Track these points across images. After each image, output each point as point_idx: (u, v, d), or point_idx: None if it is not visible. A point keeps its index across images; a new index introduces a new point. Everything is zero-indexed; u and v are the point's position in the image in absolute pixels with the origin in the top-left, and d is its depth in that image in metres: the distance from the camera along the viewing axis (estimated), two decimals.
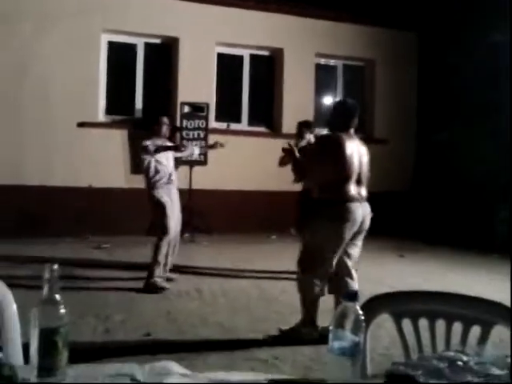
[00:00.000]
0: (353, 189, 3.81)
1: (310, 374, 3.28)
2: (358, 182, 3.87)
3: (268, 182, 8.48)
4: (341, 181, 3.80)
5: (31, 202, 7.63)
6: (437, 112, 9.68)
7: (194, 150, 6.61)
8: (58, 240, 7.21)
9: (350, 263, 3.97)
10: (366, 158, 3.96)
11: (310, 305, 3.93)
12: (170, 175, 5.41)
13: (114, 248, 7.16)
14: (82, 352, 3.24)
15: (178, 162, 6.18)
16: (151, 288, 5.07)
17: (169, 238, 5.24)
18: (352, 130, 3.95)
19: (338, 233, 3.79)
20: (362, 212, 3.82)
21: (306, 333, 3.89)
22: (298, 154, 4.06)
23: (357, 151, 3.87)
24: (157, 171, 5.30)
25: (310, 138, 5.59)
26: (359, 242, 3.97)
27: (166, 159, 5.40)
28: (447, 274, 6.28)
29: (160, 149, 5.31)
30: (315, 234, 3.94)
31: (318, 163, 3.89)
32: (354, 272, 3.99)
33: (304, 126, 5.74)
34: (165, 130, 5.50)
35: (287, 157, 4.28)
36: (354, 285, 3.93)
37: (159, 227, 5.26)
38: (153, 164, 5.28)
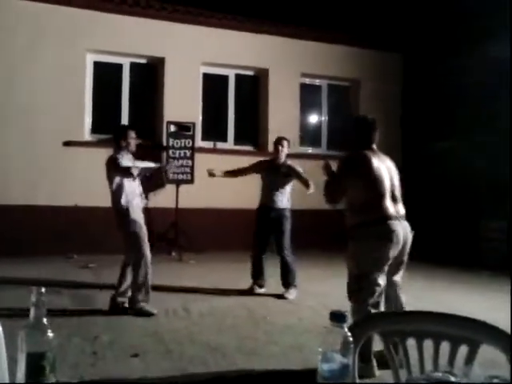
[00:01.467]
0: (389, 206, 3.61)
1: None
2: (393, 199, 3.66)
3: (255, 200, 8.46)
4: (375, 199, 3.58)
5: (16, 221, 7.56)
6: (421, 129, 9.81)
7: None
8: (43, 259, 7.13)
9: (398, 284, 3.79)
10: (395, 173, 3.78)
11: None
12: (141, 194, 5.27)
13: (101, 267, 7.09)
14: (70, 373, 3.21)
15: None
16: (140, 314, 4.92)
17: (145, 260, 4.99)
18: (375, 146, 3.82)
19: (380, 254, 3.55)
20: (402, 230, 3.61)
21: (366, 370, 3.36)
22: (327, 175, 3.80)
23: (385, 166, 3.70)
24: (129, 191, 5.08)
25: (285, 152, 6.02)
26: (401, 266, 3.76)
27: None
28: (437, 291, 6.29)
29: (141, 172, 5.14)
30: (357, 260, 3.63)
31: (348, 185, 3.66)
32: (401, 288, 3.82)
33: (276, 143, 6.10)
34: (133, 144, 5.21)
35: (325, 173, 3.85)
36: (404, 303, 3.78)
37: (136, 250, 5.00)
38: (126, 183, 5.03)
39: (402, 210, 3.71)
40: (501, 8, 8.10)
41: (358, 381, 1.52)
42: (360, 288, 3.58)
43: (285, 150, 6.00)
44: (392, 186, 3.68)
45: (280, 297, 5.78)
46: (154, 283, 5.16)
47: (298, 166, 6.01)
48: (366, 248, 3.57)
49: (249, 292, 5.95)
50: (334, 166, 3.82)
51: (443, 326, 1.66)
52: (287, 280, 5.92)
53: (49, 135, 7.99)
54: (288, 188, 6.02)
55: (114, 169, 5.01)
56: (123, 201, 5.02)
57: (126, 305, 5.05)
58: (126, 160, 5.09)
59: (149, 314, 4.90)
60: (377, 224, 3.56)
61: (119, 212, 5.06)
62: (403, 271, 3.84)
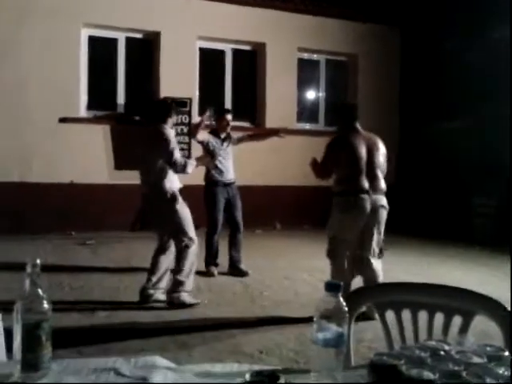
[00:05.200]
0: (362, 181, 4.22)
1: (295, 366, 3.30)
2: (369, 175, 4.25)
3: (252, 177, 8.47)
4: (351, 175, 4.23)
5: (11, 198, 7.54)
6: (419, 106, 9.77)
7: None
8: (39, 237, 7.14)
9: (370, 248, 4.30)
10: (379, 151, 4.36)
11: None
12: None
13: (99, 244, 7.12)
14: (67, 340, 3.23)
15: None
16: (181, 306, 4.48)
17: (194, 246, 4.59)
18: (358, 125, 4.42)
19: (343, 222, 4.25)
20: (370, 203, 4.20)
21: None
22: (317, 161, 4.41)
23: (366, 146, 4.30)
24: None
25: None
26: (375, 230, 4.29)
27: None
28: (429, 266, 6.34)
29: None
30: (329, 224, 4.39)
31: (332, 162, 4.34)
32: (375, 257, 4.33)
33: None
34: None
35: (314, 169, 4.47)
36: (378, 265, 4.33)
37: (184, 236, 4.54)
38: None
39: (379, 185, 4.29)
40: None
41: (352, 350, 1.54)
42: (331, 248, 4.35)
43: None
44: (371, 163, 4.28)
45: (244, 274, 5.64)
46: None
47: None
48: (335, 215, 4.31)
49: (210, 275, 5.58)
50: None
51: (438, 298, 1.67)
52: (240, 255, 5.79)
53: (44, 112, 7.91)
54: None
55: (170, 157, 4.48)
56: (168, 185, 4.53)
57: (158, 296, 4.58)
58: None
59: (191, 305, 4.48)
60: (345, 195, 4.24)
61: (164, 196, 4.52)
62: (374, 247, 4.31)
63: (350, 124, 4.42)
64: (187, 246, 4.49)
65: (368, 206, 4.20)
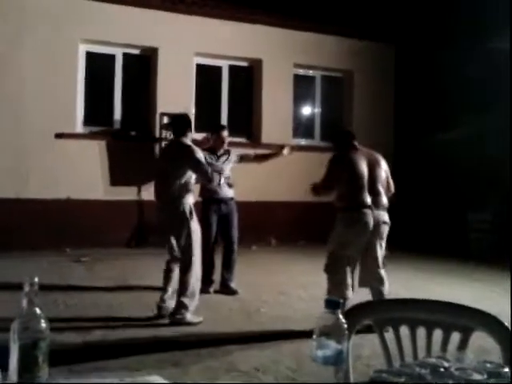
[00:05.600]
0: (364, 197, 4.29)
1: None
2: (372, 192, 4.33)
3: (247, 193, 8.47)
4: (353, 191, 4.32)
5: (6, 214, 7.49)
6: (414, 121, 9.83)
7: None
8: (34, 254, 7.08)
9: (374, 262, 4.40)
10: (380, 167, 4.46)
11: None
12: None
13: (94, 261, 7.06)
14: (61, 358, 3.20)
15: None
16: (183, 323, 4.44)
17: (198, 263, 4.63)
18: (356, 144, 4.51)
19: (345, 238, 4.30)
20: (372, 218, 4.27)
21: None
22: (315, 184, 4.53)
23: (366, 163, 4.38)
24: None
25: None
26: (378, 245, 4.37)
27: None
28: (426, 282, 6.33)
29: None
30: (330, 239, 4.44)
31: (334, 178, 4.43)
32: (381, 270, 4.43)
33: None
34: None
35: (316, 191, 4.57)
36: (385, 277, 4.43)
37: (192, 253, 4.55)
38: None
39: (381, 200, 4.37)
40: None
41: (351, 367, 1.53)
42: (330, 263, 4.39)
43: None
44: (373, 179, 4.36)
45: (234, 293, 5.55)
46: (149, 276, 5.16)
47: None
48: (338, 230, 4.36)
49: (205, 292, 5.22)
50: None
51: (436, 314, 1.67)
52: (231, 275, 5.70)
53: (40, 127, 7.90)
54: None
55: (198, 165, 4.50)
56: (189, 200, 4.54)
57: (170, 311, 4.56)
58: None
59: (195, 324, 4.44)
60: (348, 211, 4.31)
61: (181, 212, 4.50)
62: (380, 260, 4.41)
63: (348, 144, 4.51)
64: (192, 263, 4.49)
65: (371, 222, 4.26)
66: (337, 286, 4.32)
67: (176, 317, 4.45)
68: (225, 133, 5.86)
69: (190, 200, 4.57)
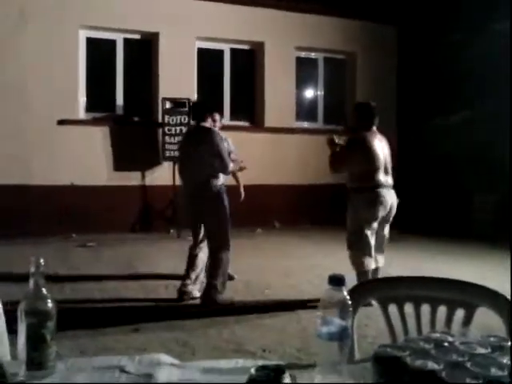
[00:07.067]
0: (382, 177, 4.53)
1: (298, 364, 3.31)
2: (385, 172, 4.58)
3: (251, 176, 8.45)
4: (371, 171, 4.51)
5: (10, 201, 7.52)
6: (417, 103, 9.77)
7: None
8: (40, 240, 7.12)
9: (383, 238, 4.71)
10: (388, 150, 4.68)
11: (361, 276, 4.43)
12: None
13: (100, 246, 7.11)
14: (70, 340, 3.24)
15: None
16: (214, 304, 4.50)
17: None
18: (374, 128, 4.68)
19: (369, 214, 4.52)
20: (389, 197, 4.55)
21: None
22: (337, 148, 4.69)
23: (380, 146, 4.59)
24: None
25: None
26: (387, 224, 4.67)
27: None
28: (429, 261, 6.33)
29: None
30: (352, 218, 4.63)
31: (351, 160, 4.60)
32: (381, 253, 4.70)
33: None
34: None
35: (330, 147, 4.74)
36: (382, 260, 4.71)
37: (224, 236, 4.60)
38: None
39: (391, 180, 4.64)
40: None
41: (356, 345, 1.54)
42: (355, 240, 4.58)
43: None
44: (385, 161, 4.60)
45: (230, 278, 5.24)
46: (154, 260, 5.18)
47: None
48: (360, 209, 4.56)
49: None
50: (338, 139, 4.73)
51: (440, 291, 1.68)
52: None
53: (42, 114, 7.90)
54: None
55: (217, 148, 4.53)
56: (216, 182, 4.56)
57: (196, 294, 4.64)
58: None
59: (226, 304, 4.50)
60: (369, 190, 4.51)
61: (215, 192, 4.56)
62: (388, 228, 4.76)
63: (369, 125, 4.67)
64: (222, 246, 4.53)
65: (389, 200, 4.55)
66: (363, 260, 4.56)
67: (206, 298, 4.50)
68: (217, 116, 5.67)
69: (221, 180, 4.65)
